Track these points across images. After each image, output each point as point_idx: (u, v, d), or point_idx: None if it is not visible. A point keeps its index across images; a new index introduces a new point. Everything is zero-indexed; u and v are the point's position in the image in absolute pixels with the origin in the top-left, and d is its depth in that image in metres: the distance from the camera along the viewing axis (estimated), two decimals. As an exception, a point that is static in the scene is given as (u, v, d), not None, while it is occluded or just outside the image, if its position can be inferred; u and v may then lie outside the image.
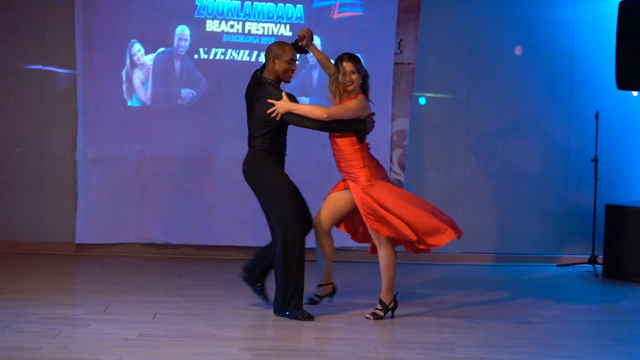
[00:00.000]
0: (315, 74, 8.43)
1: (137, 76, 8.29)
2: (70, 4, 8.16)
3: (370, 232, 6.15)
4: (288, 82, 6.22)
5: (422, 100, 8.72)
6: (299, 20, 8.38)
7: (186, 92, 8.34)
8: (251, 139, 6.22)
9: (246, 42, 8.37)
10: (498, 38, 8.76)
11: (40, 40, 8.30)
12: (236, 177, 8.33)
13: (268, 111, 5.99)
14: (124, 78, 8.26)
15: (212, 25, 8.35)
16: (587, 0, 8.80)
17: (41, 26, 8.27)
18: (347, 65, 6.07)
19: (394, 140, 8.55)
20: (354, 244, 8.45)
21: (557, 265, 8.75)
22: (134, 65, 8.26)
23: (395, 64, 8.50)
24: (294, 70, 6.16)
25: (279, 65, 6.09)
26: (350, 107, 6.04)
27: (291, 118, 6.01)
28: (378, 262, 6.21)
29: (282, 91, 6.06)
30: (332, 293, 6.50)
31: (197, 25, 8.33)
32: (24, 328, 5.50)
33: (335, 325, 5.94)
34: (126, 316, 5.91)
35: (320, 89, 8.43)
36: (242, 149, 8.29)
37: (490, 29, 8.75)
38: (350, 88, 6.09)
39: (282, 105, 5.98)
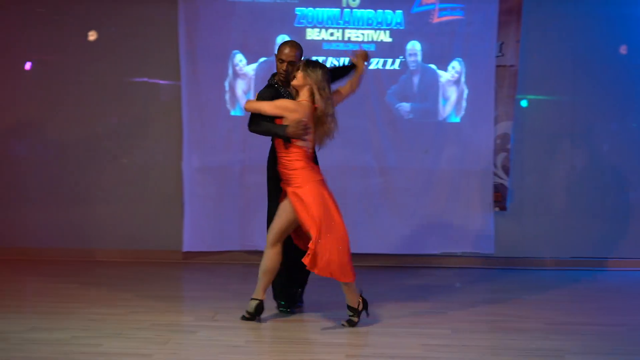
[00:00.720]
0: (416, 79, 8.39)
1: (240, 86, 8.41)
2: (173, 18, 8.34)
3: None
4: (282, 79, 6.17)
5: (523, 103, 8.57)
6: (398, 25, 8.36)
7: (287, 101, 8.41)
8: None
9: (346, 50, 8.39)
10: (602, 37, 8.54)
11: (145, 54, 8.50)
12: (340, 184, 8.37)
13: None
14: (226, 88, 8.39)
15: (312, 34, 8.41)
16: (696, -6, 8.52)
17: (146, 40, 8.47)
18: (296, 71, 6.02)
19: (497, 144, 8.44)
20: (457, 248, 8.43)
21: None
22: (236, 75, 8.39)
23: (497, 67, 8.39)
24: (282, 69, 6.13)
25: (276, 62, 6.22)
26: (263, 105, 5.95)
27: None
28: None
29: (277, 90, 6.13)
30: (260, 311, 6.13)
31: (297, 34, 8.40)
32: (135, 334, 5.64)
33: (441, 332, 5.90)
34: (233, 323, 5.99)
35: (422, 95, 8.40)
36: (344, 155, 8.37)
37: (594, 27, 8.54)
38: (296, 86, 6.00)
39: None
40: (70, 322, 5.97)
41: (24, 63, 8.55)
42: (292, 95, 6.12)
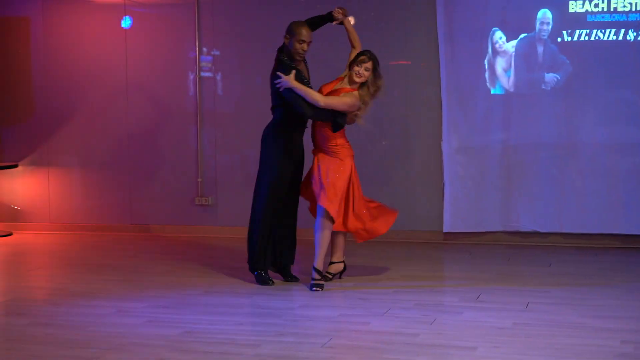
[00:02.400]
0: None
1: (500, 64, 8.25)
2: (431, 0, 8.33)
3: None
4: (299, 59, 6.47)
5: None
6: (670, -9, 7.83)
7: (550, 77, 8.15)
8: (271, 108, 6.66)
9: (612, 21, 7.98)
10: None
11: (403, 37, 8.55)
12: (605, 162, 8.05)
13: (275, 81, 6.35)
14: (486, 66, 8.26)
15: (574, 6, 8.07)
16: None
17: (404, 23, 8.51)
18: (368, 64, 6.38)
19: None
20: None
21: None
22: (495, 53, 8.24)
23: None
24: (304, 49, 6.44)
25: (290, 43, 6.44)
26: (345, 101, 6.34)
27: (289, 95, 6.30)
28: None
29: (294, 69, 6.35)
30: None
31: (559, 8, 8.10)
32: (400, 314, 5.71)
33: None
34: (498, 304, 5.91)
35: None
36: (610, 133, 8.01)
37: None
38: (357, 80, 6.39)
39: (287, 80, 6.28)
40: (338, 300, 6.15)
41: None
42: (302, 70, 6.49)
